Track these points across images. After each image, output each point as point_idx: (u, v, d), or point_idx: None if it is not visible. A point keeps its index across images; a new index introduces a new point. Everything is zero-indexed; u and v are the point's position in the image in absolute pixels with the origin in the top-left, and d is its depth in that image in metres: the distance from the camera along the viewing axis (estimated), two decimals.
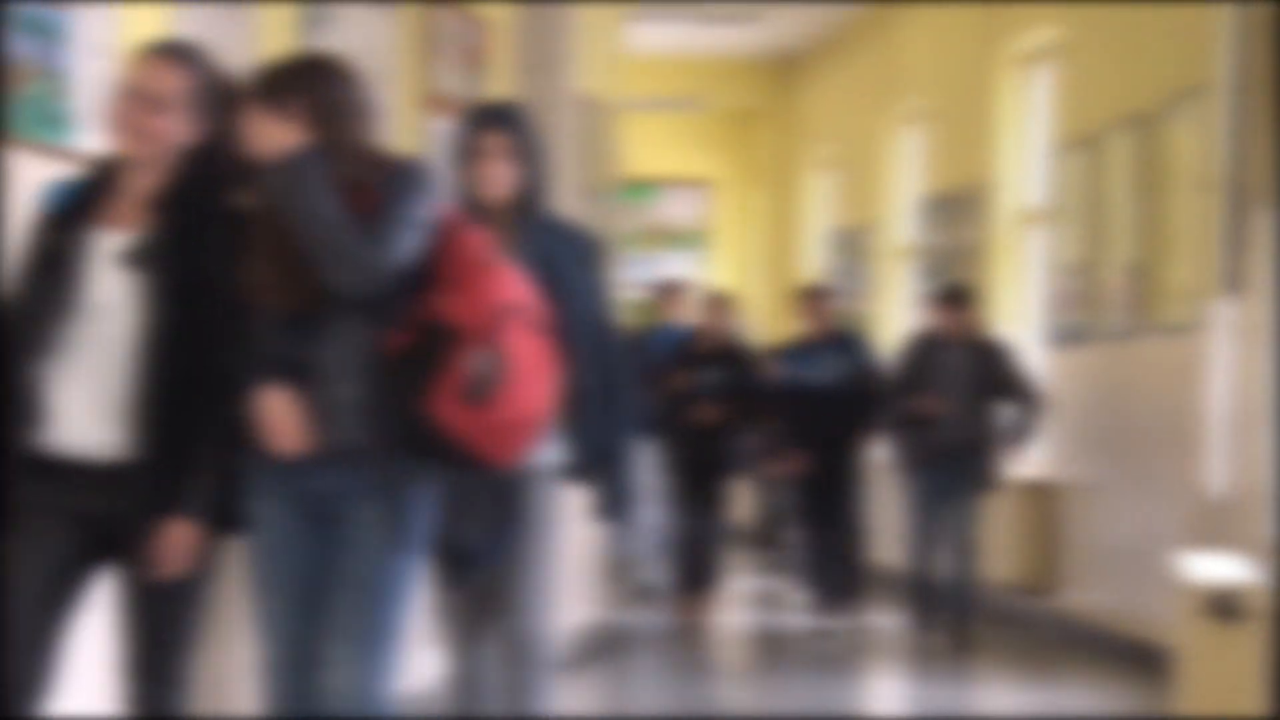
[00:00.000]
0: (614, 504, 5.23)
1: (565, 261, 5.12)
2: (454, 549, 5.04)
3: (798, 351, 10.83)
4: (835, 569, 10.71)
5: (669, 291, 11.93)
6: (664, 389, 10.78)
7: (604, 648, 9.44)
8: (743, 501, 13.74)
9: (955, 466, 10.05)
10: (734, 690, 9.04)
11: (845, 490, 10.65)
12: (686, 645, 10.15)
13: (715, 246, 18.13)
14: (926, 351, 10.26)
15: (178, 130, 4.02)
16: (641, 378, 10.22)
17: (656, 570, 11.80)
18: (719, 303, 11.28)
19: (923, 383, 10.11)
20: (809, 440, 10.55)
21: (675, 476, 11.05)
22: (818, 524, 10.75)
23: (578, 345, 4.86)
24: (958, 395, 10.05)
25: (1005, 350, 10.24)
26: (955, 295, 10.32)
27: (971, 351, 10.13)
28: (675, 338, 11.26)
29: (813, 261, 16.69)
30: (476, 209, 5.12)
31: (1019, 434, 10.06)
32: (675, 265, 17.14)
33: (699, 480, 10.98)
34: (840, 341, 10.73)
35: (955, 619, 10.01)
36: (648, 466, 11.22)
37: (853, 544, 10.77)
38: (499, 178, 5.14)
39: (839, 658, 9.73)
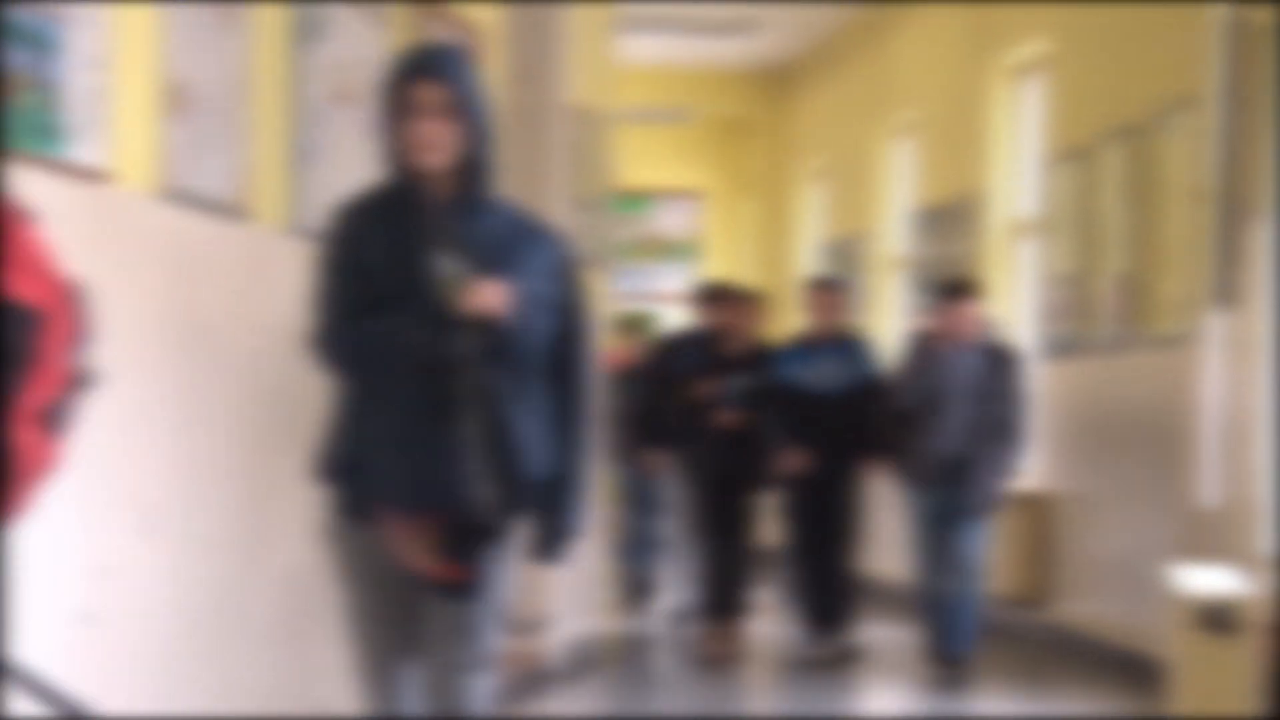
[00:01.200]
0: (551, 543, 4.48)
1: (520, 261, 4.34)
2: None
3: (796, 352, 9.94)
4: (829, 594, 9.90)
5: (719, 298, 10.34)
6: (685, 397, 9.93)
7: (606, 657, 9.44)
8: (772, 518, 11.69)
9: (962, 483, 9.09)
10: (730, 697, 9.02)
11: (843, 513, 9.85)
12: (699, 663, 10.12)
13: (707, 257, 18.13)
14: (931, 355, 9.16)
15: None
16: (669, 388, 9.93)
17: (647, 574, 11.41)
18: (746, 301, 10.19)
19: (928, 391, 9.10)
20: (805, 451, 9.72)
21: (699, 493, 9.97)
22: (811, 546, 9.88)
23: (525, 363, 4.30)
24: (966, 404, 9.06)
25: (1016, 358, 9.24)
26: (961, 289, 9.20)
27: (980, 355, 9.11)
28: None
29: (805, 272, 16.69)
30: (409, 183, 4.31)
31: (1002, 456, 9.08)
32: (669, 277, 17.12)
33: (726, 496, 9.91)
34: (844, 345, 9.86)
35: (956, 640, 9.24)
36: (668, 481, 10.92)
37: (849, 571, 9.93)
38: (435, 139, 4.27)
39: (834, 668, 9.71)
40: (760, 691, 9.56)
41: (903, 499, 9.46)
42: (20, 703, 4.09)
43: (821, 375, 9.79)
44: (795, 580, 10.11)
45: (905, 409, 9.20)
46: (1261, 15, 8.11)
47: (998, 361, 9.14)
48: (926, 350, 9.20)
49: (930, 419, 9.08)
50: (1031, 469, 10.87)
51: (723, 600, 9.94)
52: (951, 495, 9.12)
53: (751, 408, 9.81)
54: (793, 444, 9.74)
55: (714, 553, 9.90)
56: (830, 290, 10.08)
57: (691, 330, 10.40)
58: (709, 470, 9.89)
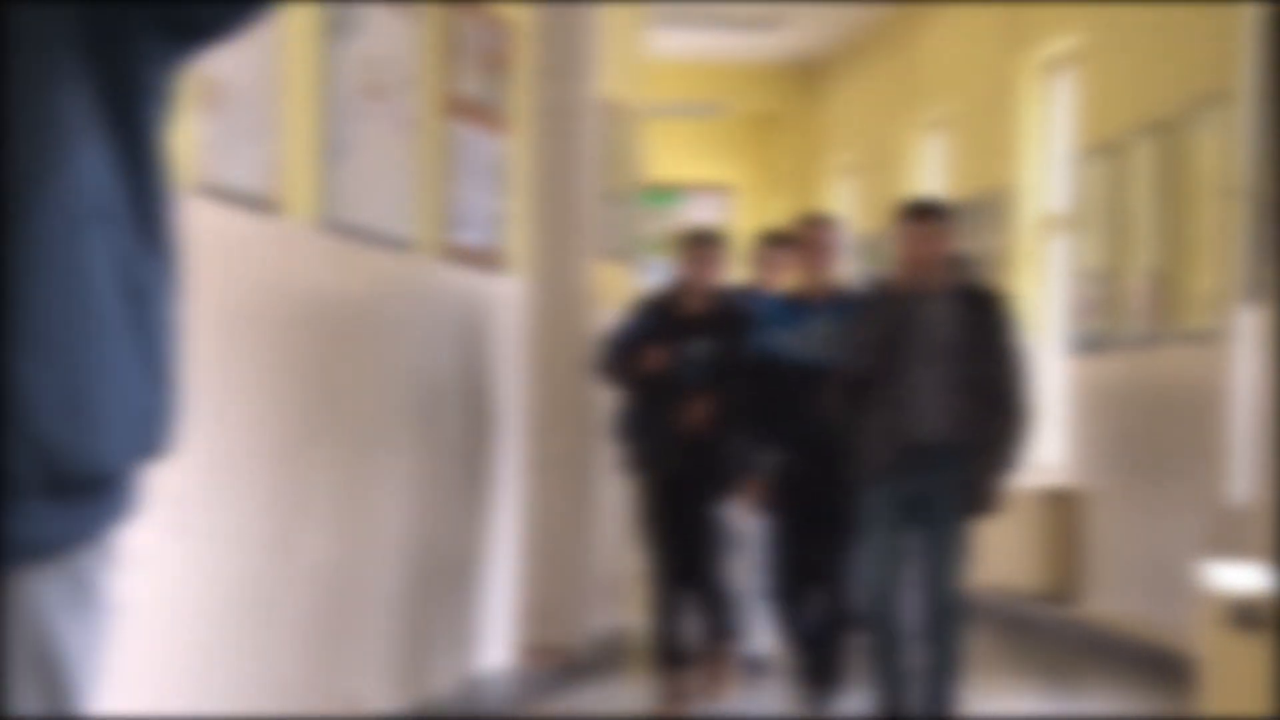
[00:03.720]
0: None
1: None
2: None
3: (778, 311, 7.62)
4: (818, 644, 7.60)
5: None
6: (632, 370, 7.67)
7: (635, 651, 9.45)
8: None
9: (936, 475, 6.89)
10: (747, 694, 9.02)
11: (836, 530, 7.35)
12: None
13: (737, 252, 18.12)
14: (889, 304, 6.95)
15: None
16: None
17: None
18: (711, 246, 7.83)
19: (886, 350, 6.88)
20: (784, 447, 7.49)
21: (644, 500, 7.79)
22: (796, 580, 7.62)
23: None
24: (939, 366, 6.87)
25: (1003, 304, 7.10)
26: (925, 209, 7.07)
27: (956, 302, 6.96)
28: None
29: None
30: None
31: (999, 443, 6.91)
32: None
33: (681, 505, 7.70)
34: (843, 305, 7.37)
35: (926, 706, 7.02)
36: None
37: (842, 610, 7.53)
38: None
39: None
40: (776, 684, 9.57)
41: (856, 500, 7.06)
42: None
43: (809, 340, 7.46)
44: (776, 623, 7.88)
45: (858, 377, 6.93)
46: None
47: (979, 309, 6.96)
48: (884, 299, 6.98)
49: (891, 388, 6.86)
50: (1060, 464, 10.86)
51: (672, 646, 7.80)
52: (922, 493, 6.89)
53: (717, 385, 7.57)
54: (770, 439, 7.54)
55: (662, 582, 7.79)
56: (819, 227, 7.73)
57: (655, 290, 8.17)
58: (658, 469, 7.73)
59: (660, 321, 7.72)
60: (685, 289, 7.79)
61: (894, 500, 6.89)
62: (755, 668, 8.53)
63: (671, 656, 7.79)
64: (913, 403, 6.86)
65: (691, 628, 7.87)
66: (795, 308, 7.56)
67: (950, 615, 6.94)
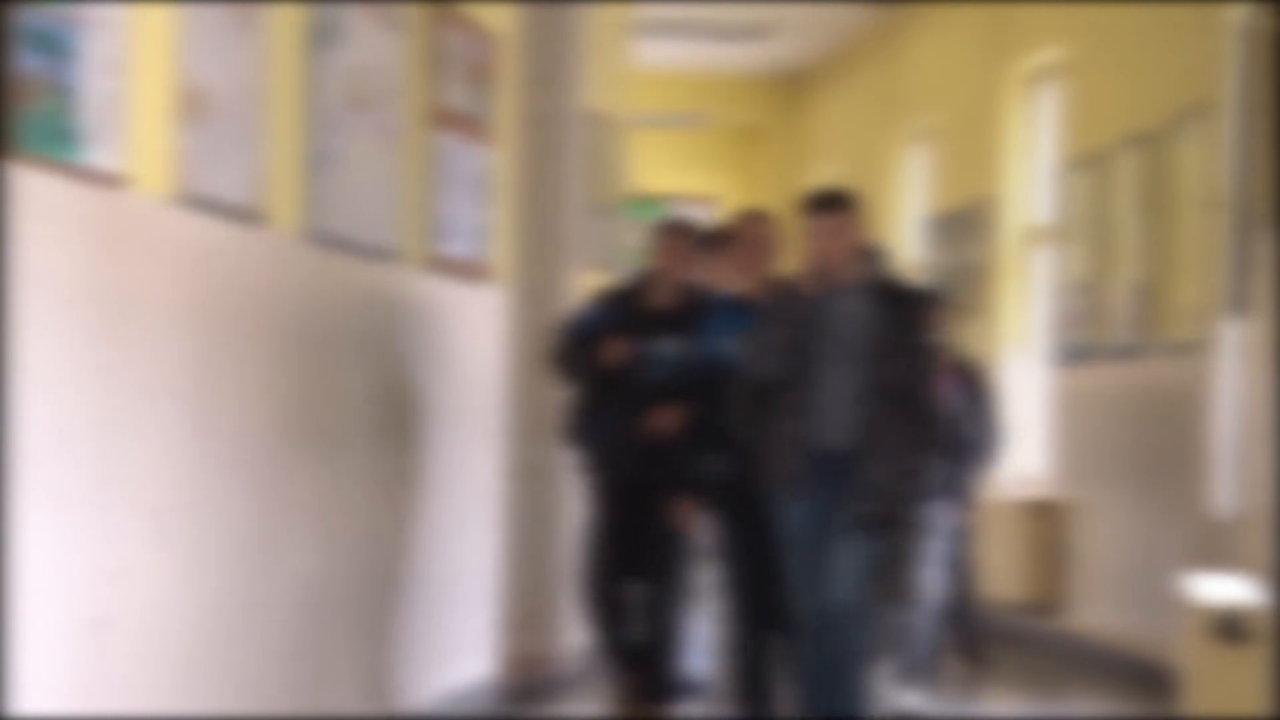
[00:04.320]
0: None
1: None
2: None
3: (730, 313, 6.98)
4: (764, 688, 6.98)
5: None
6: (592, 364, 7.12)
7: None
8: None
9: (844, 485, 6.36)
10: None
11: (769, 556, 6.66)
12: None
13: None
14: (795, 302, 6.49)
15: None
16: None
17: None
18: (679, 235, 7.30)
19: (800, 353, 6.41)
20: (733, 457, 6.83)
21: (598, 512, 7.29)
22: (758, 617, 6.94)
23: None
24: (850, 369, 6.38)
25: (921, 301, 6.63)
26: (832, 199, 6.52)
27: (868, 299, 6.45)
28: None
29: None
30: None
31: (914, 448, 6.41)
32: None
33: (638, 519, 7.15)
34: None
35: None
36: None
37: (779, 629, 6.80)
38: None
39: None
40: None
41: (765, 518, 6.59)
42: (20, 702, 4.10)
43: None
44: (735, 667, 7.05)
45: (760, 382, 6.48)
46: (1276, 22, 8.11)
47: (895, 306, 6.49)
48: (790, 298, 6.52)
49: (799, 394, 6.39)
50: (1044, 475, 10.87)
51: (621, 649, 7.31)
52: (831, 504, 6.40)
53: (683, 389, 7.05)
54: (719, 448, 6.90)
55: (604, 605, 7.27)
56: (758, 225, 7.12)
57: (620, 281, 7.77)
58: (614, 473, 7.22)
59: (623, 314, 7.18)
60: (653, 281, 7.26)
61: (809, 512, 6.41)
62: (691, 690, 7.65)
63: (623, 660, 7.26)
64: (822, 409, 6.39)
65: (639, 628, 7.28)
66: (745, 310, 6.81)
67: (848, 639, 6.40)
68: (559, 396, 7.74)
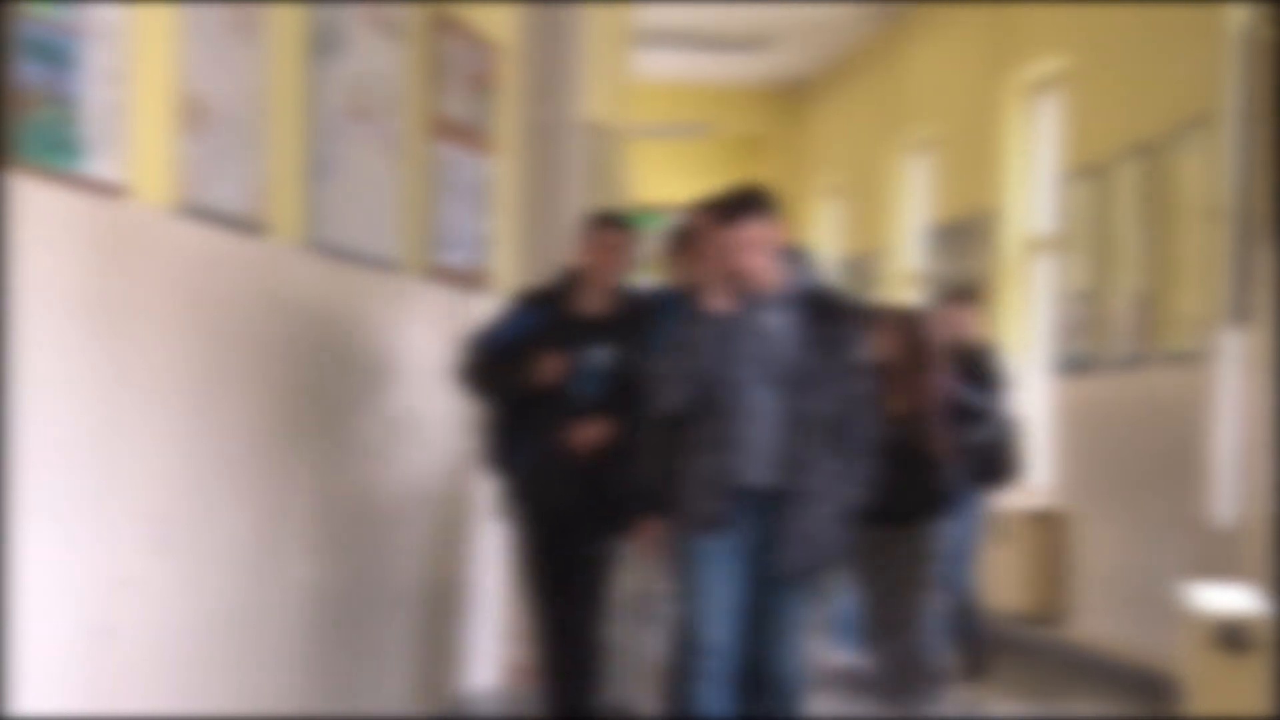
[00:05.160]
0: None
1: None
2: None
3: (666, 319, 6.11)
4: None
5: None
6: (517, 380, 6.37)
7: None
8: None
9: (767, 527, 5.63)
10: None
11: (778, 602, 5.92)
12: None
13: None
14: (707, 319, 5.65)
15: None
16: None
17: None
18: (614, 230, 6.58)
19: (716, 378, 5.59)
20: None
21: (525, 541, 6.57)
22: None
23: None
24: (772, 396, 5.60)
25: (855, 316, 5.82)
26: (750, 199, 5.60)
27: (795, 313, 5.65)
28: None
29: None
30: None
31: (840, 489, 5.63)
32: None
33: (569, 549, 6.48)
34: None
35: None
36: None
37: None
38: None
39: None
40: None
41: (672, 563, 5.83)
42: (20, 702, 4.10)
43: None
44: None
45: (667, 412, 5.69)
46: (1277, 31, 8.11)
47: (824, 322, 5.65)
48: (704, 314, 5.66)
49: (713, 425, 5.61)
50: (1045, 485, 10.86)
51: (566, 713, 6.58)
52: (752, 547, 5.66)
53: (616, 404, 6.32)
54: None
55: (552, 640, 6.57)
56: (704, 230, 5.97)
57: (544, 282, 6.84)
58: (542, 504, 6.49)
59: (550, 321, 6.40)
60: (582, 282, 6.49)
61: (726, 549, 5.62)
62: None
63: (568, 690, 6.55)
64: (742, 442, 5.57)
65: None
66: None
67: (780, 694, 5.72)
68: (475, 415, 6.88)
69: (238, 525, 5.57)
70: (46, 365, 4.44)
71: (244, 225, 5.55)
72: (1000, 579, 10.66)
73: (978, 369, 8.54)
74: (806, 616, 5.78)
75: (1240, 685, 6.33)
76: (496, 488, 6.60)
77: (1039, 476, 11.10)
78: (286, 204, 5.89)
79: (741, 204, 5.58)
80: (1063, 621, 10.64)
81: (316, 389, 6.18)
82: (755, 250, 5.55)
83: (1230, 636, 6.45)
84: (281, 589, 5.90)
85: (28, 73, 4.34)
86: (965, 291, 9.38)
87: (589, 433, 6.33)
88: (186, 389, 5.21)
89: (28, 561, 4.36)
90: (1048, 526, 10.73)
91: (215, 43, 5.34)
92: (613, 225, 6.59)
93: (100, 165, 4.68)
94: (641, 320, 6.37)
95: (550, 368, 6.32)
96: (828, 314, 5.68)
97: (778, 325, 5.63)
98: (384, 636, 6.82)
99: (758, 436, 5.59)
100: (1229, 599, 6.72)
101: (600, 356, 6.38)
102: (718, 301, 5.63)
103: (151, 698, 5.03)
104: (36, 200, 4.39)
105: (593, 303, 6.48)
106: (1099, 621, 10.18)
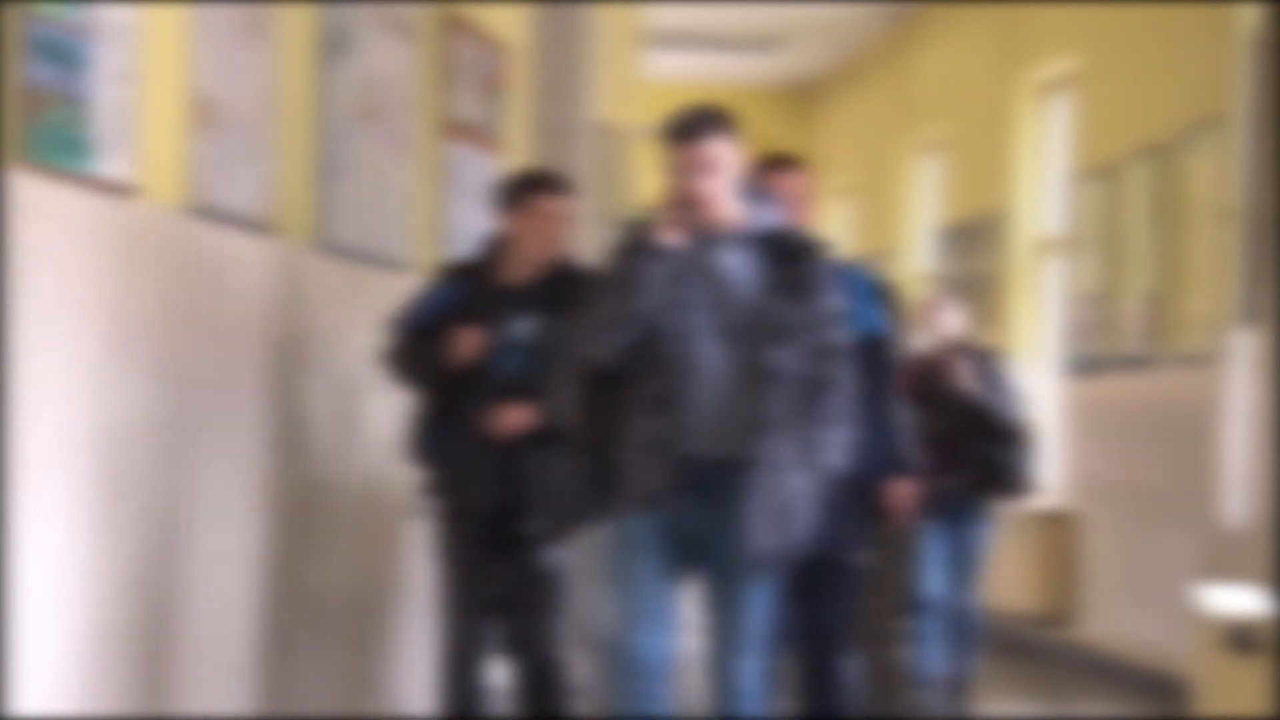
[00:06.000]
0: None
1: None
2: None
3: None
4: None
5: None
6: (433, 359, 5.66)
7: None
8: None
9: (721, 505, 4.81)
10: None
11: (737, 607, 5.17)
12: None
13: None
14: (648, 260, 4.83)
15: None
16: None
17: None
18: (546, 193, 5.75)
19: (660, 325, 4.80)
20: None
21: (446, 546, 5.80)
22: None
23: None
24: (726, 353, 4.80)
25: (822, 262, 4.94)
26: (702, 120, 5.01)
27: (754, 254, 4.88)
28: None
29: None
30: None
31: (811, 459, 4.82)
32: None
33: (492, 555, 5.72)
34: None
35: None
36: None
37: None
38: None
39: None
40: None
41: (607, 548, 5.03)
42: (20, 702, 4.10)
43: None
44: None
45: (598, 363, 4.90)
46: None
47: (793, 264, 4.88)
48: (646, 245, 4.85)
49: (657, 382, 4.80)
50: (1055, 486, 10.85)
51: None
52: (702, 529, 4.84)
53: (539, 382, 5.63)
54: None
55: (454, 652, 5.78)
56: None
57: (467, 255, 6.18)
58: (463, 498, 5.73)
59: (472, 294, 5.71)
60: (508, 251, 5.75)
61: (663, 530, 4.82)
62: None
63: None
64: (692, 402, 4.79)
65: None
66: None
67: (737, 714, 4.86)
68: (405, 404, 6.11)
69: (247, 526, 5.57)
70: (55, 363, 4.45)
71: (254, 225, 5.55)
72: (1009, 580, 10.65)
73: (990, 376, 8.47)
74: (771, 618, 4.91)
75: (1250, 686, 6.32)
76: (419, 482, 5.85)
77: (1048, 477, 11.10)
78: (297, 204, 5.90)
79: (699, 120, 4.95)
80: (1072, 622, 10.63)
81: (328, 389, 6.18)
82: (713, 173, 4.85)
83: (1240, 637, 6.44)
84: (296, 590, 5.89)
85: (39, 73, 4.34)
86: (953, 291, 9.12)
87: (510, 417, 5.58)
88: (195, 387, 5.22)
89: (33, 560, 4.37)
90: (1057, 527, 10.72)
91: (226, 43, 5.35)
92: (549, 188, 5.76)
93: (111, 165, 4.69)
94: (572, 289, 5.47)
95: (465, 344, 5.55)
96: (795, 255, 4.88)
97: (737, 266, 4.84)
98: (393, 634, 6.81)
99: (708, 396, 4.77)
100: (1239, 600, 6.71)
101: (523, 328, 5.63)
102: (667, 233, 4.82)
103: (158, 698, 5.03)
104: (47, 200, 4.40)
105: (519, 272, 5.69)
106: (1108, 622, 10.17)
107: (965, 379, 7.75)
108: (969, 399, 7.77)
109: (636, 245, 4.84)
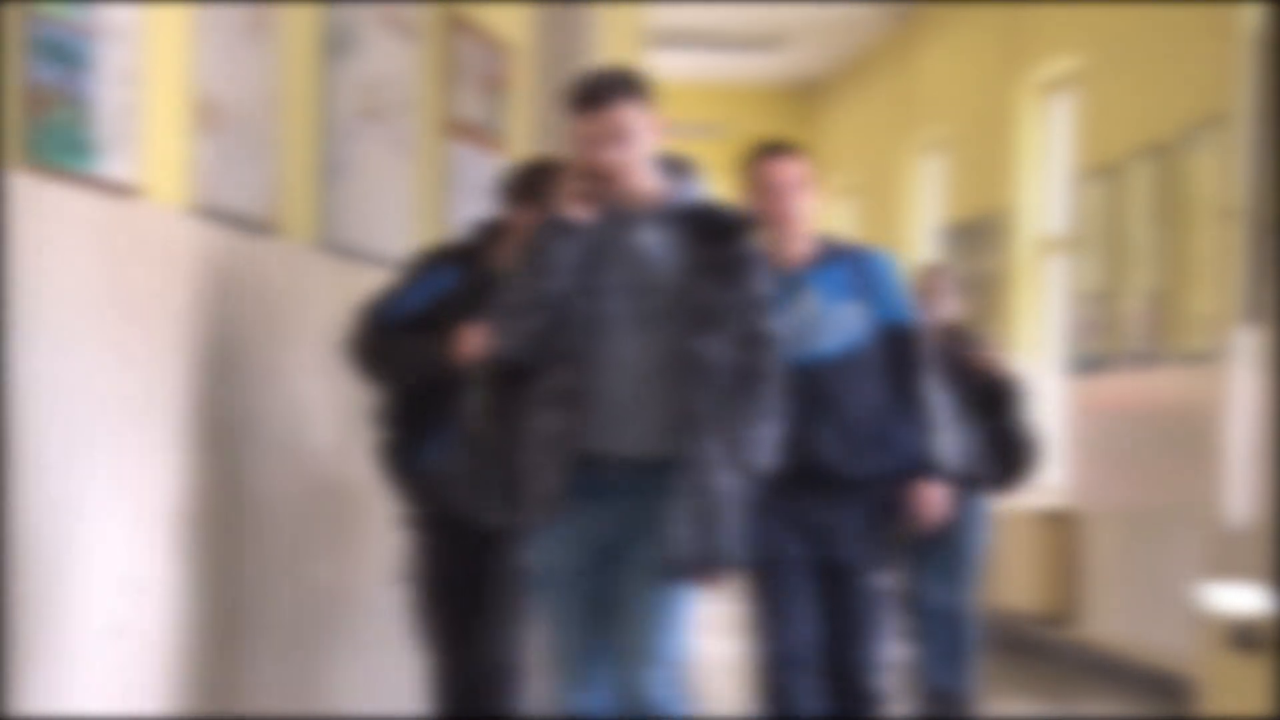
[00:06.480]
0: None
1: None
2: None
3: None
4: None
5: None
6: (425, 357, 5.06)
7: None
8: None
9: (635, 509, 4.46)
10: None
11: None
12: None
13: None
14: (559, 240, 4.46)
15: None
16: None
17: None
18: (542, 177, 5.08)
19: (567, 314, 4.42)
20: None
21: (421, 546, 5.31)
22: None
23: None
24: (641, 338, 4.44)
25: (749, 239, 4.55)
26: (610, 85, 4.58)
27: (672, 231, 4.52)
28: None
29: None
30: None
31: (733, 457, 4.41)
32: None
33: (471, 556, 5.20)
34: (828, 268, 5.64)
35: None
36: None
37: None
38: None
39: None
40: None
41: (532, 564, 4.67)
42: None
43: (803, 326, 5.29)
44: None
45: (509, 355, 4.51)
46: None
47: (717, 243, 4.51)
48: (554, 221, 4.49)
49: (562, 374, 4.43)
50: (1058, 485, 10.85)
51: None
52: (613, 535, 4.49)
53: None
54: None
55: (445, 658, 5.31)
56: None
57: (457, 238, 5.83)
58: (466, 514, 4.77)
59: (469, 283, 5.10)
60: (505, 235, 5.17)
61: (579, 541, 4.47)
62: None
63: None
64: (601, 396, 4.40)
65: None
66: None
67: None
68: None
69: (252, 525, 5.58)
70: (59, 364, 4.45)
71: (257, 225, 5.56)
72: (1012, 579, 10.65)
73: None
74: (687, 623, 4.49)
75: (1253, 685, 6.32)
76: (395, 493, 5.35)
77: (1051, 476, 11.10)
78: (299, 204, 5.90)
79: (608, 85, 4.50)
80: (1074, 621, 10.63)
81: (330, 389, 6.19)
82: (625, 142, 4.43)
83: (1244, 636, 6.44)
84: (300, 589, 5.90)
85: (41, 73, 4.35)
86: (937, 270, 8.11)
87: (469, 340, 4.89)
88: (199, 388, 5.22)
89: (39, 560, 4.37)
90: (1060, 526, 10.72)
91: (229, 44, 5.35)
92: (546, 171, 5.13)
93: (114, 166, 4.69)
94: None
95: (471, 341, 4.86)
96: (722, 233, 4.49)
97: (654, 245, 4.45)
98: (400, 635, 6.82)
99: (625, 390, 4.38)
100: (1242, 598, 6.72)
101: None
102: (575, 209, 4.41)
103: (165, 698, 5.04)
104: (50, 200, 4.40)
105: (507, 260, 4.93)
106: (1111, 621, 10.17)
107: (989, 354, 7.53)
108: (995, 374, 7.55)
109: (545, 224, 4.43)
